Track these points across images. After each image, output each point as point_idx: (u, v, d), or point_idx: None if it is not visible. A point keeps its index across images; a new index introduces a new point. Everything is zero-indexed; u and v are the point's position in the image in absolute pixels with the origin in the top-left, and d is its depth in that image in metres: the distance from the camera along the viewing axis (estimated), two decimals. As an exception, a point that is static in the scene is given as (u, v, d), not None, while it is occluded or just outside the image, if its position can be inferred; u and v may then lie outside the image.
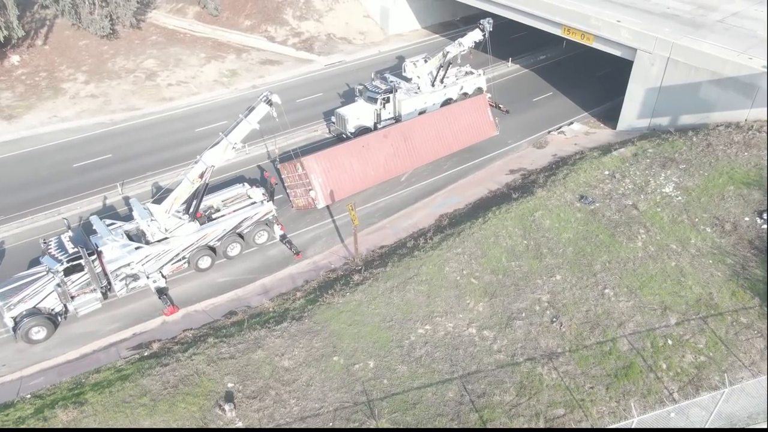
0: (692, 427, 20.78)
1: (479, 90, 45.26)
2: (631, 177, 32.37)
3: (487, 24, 40.98)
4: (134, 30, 54.42)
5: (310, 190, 32.26)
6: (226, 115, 44.23)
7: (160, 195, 29.99)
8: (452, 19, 61.57)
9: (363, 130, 39.97)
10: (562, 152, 38.99)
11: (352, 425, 21.08)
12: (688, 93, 37.43)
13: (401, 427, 20.94)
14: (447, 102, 43.12)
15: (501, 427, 20.87)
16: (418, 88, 42.48)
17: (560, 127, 43.10)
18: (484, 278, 26.61)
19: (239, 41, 55.54)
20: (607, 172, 33.10)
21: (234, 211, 30.75)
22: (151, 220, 27.99)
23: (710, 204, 29.86)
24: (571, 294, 25.76)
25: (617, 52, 40.91)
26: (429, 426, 21.00)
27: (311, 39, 56.66)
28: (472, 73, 45.25)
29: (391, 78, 42.83)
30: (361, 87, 41.79)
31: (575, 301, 25.40)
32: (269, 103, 28.20)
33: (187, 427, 20.92)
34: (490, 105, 43.70)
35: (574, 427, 20.88)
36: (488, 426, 20.84)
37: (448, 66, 42.60)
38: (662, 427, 20.21)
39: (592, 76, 49.64)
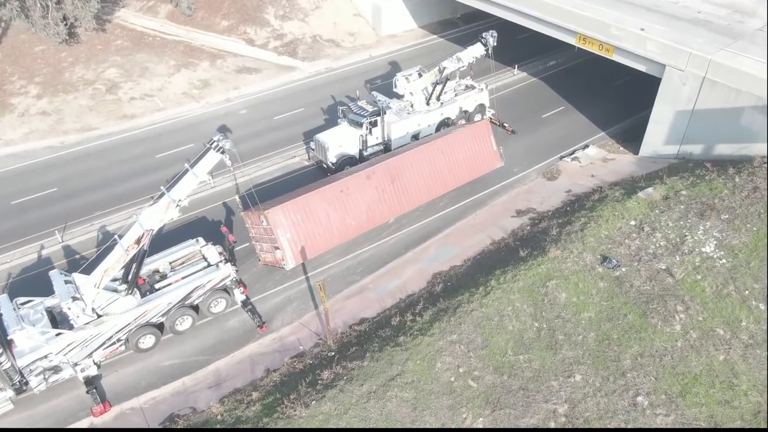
0: None
1: (481, 107, 39.54)
2: (663, 230, 26.88)
3: (491, 38, 35.33)
4: (98, 33, 48.61)
5: (276, 248, 26.82)
6: (192, 137, 38.88)
7: (108, 244, 24.43)
8: (452, 17, 55.52)
9: (346, 159, 34.53)
10: (578, 187, 33.44)
11: None
12: (726, 119, 31.78)
13: None
14: (444, 122, 37.51)
15: None
16: (411, 107, 36.86)
17: (574, 152, 37.41)
18: (485, 379, 21.26)
19: (214, 45, 49.77)
20: (633, 223, 27.61)
21: (183, 277, 25.38)
22: (73, 298, 22.65)
23: (762, 270, 24.39)
24: (594, 403, 20.45)
25: (642, 67, 35.14)
26: None
27: (295, 42, 50.86)
28: (473, 87, 39.40)
29: (379, 97, 37.11)
30: (344, 108, 36.12)
31: (600, 415, 20.10)
32: (221, 150, 22.99)
33: None
34: (494, 124, 38.16)
35: None
36: None
37: (446, 81, 36.90)
38: None
39: (609, 86, 43.85)
